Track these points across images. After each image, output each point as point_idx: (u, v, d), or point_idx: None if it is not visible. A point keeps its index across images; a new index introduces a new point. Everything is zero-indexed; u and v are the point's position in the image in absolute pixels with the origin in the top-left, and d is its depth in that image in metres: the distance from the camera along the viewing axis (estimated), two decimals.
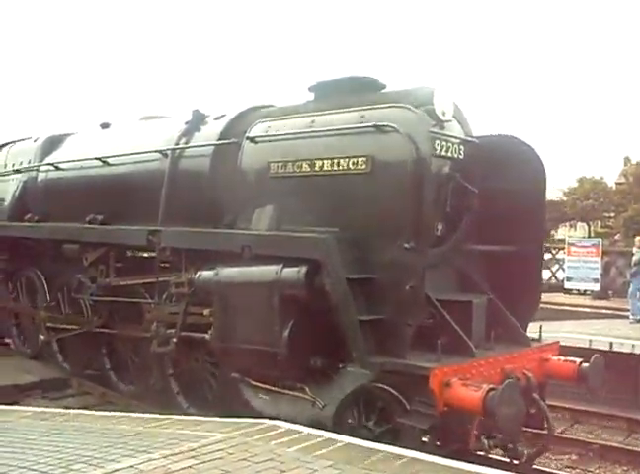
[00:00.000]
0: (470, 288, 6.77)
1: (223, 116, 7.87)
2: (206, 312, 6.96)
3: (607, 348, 11.01)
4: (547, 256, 18.70)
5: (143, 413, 6.91)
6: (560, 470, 7.73)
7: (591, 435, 9.24)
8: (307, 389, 6.16)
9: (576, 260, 17.32)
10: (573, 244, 17.62)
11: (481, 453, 6.15)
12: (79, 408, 7.96)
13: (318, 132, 6.35)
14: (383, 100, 6.36)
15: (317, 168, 6.26)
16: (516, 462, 6.21)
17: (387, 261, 5.68)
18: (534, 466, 6.81)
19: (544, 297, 15.84)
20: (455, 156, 6.59)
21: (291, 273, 6.02)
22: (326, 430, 5.68)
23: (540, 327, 6.97)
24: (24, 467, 4.68)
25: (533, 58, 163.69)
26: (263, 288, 6.22)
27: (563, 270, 18.02)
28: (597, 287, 16.85)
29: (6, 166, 11.03)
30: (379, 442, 5.21)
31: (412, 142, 5.62)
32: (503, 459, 6.39)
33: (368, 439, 5.32)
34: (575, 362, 6.52)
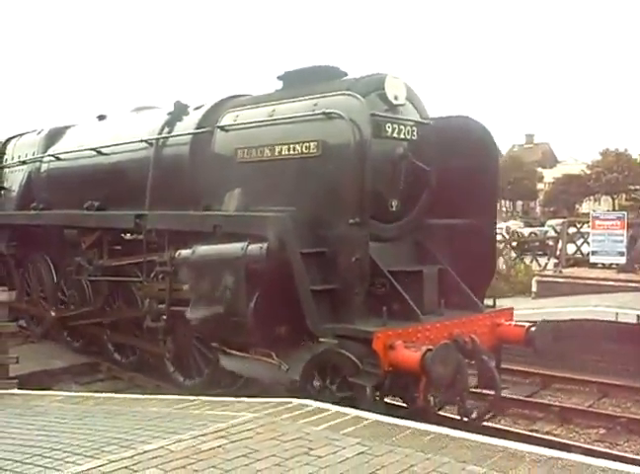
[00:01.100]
0: (427, 260, 7.31)
1: (202, 106, 8.47)
2: (186, 287, 7.61)
3: (635, 320, 10.93)
4: (571, 230, 18.84)
5: (172, 395, 7.07)
6: (589, 444, 7.61)
7: (619, 409, 9.10)
8: (273, 354, 6.78)
9: (601, 233, 16.78)
10: (597, 217, 17.32)
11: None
12: (109, 392, 8.13)
13: (277, 120, 6.94)
14: (339, 88, 6.88)
15: (277, 153, 6.86)
16: (466, 419, 6.74)
17: (336, 235, 6.26)
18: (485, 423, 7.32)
19: (570, 271, 16.40)
20: (409, 137, 7.12)
21: (255, 249, 6.62)
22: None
23: (494, 299, 7.52)
24: (58, 449, 4.79)
25: (561, 39, 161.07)
26: (231, 264, 6.84)
27: (588, 244, 17.66)
28: (622, 261, 16.38)
29: (13, 158, 11.80)
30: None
31: (355, 126, 6.15)
32: (455, 417, 6.92)
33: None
34: (524, 326, 7.04)
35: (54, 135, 11.06)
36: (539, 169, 75.11)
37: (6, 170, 11.99)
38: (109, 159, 9.44)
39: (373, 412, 5.52)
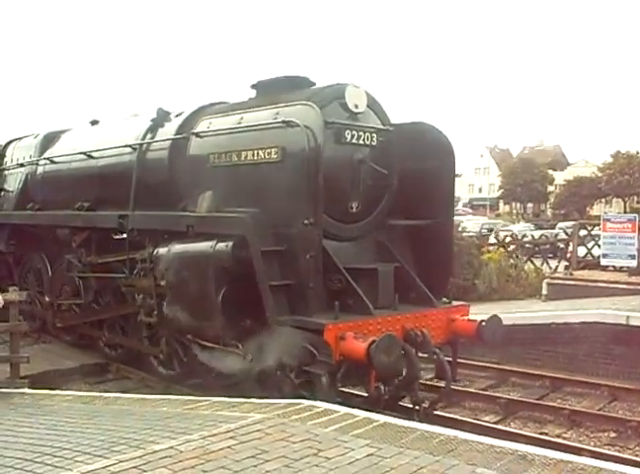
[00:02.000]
0: (386, 258, 7.82)
1: (182, 113, 9.04)
2: (163, 283, 8.18)
3: None
4: (582, 232, 18.83)
5: (181, 395, 7.23)
6: (599, 447, 7.55)
7: (629, 412, 8.93)
8: (240, 345, 7.31)
9: (612, 236, 16.61)
10: (608, 220, 17.30)
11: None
12: (118, 392, 8.27)
13: (244, 128, 7.51)
14: (304, 97, 7.41)
15: (243, 158, 7.42)
16: (417, 408, 7.24)
17: (293, 235, 6.80)
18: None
19: (581, 274, 16.47)
20: (368, 143, 7.63)
21: (222, 247, 7.18)
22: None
23: (450, 296, 8.02)
24: (67, 449, 4.82)
25: (572, 40, 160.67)
26: (201, 261, 7.40)
27: (599, 246, 17.51)
28: (633, 263, 16.15)
29: (12, 160, 12.45)
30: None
31: (310, 134, 6.68)
32: (407, 405, 7.43)
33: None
34: (475, 321, 7.54)
35: (50, 139, 11.69)
36: (550, 171, 75.13)
37: (5, 172, 12.63)
38: (98, 162, 10.03)
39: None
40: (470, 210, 72.89)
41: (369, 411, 5.58)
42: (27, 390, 7.97)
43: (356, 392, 7.66)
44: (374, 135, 7.70)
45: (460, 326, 7.62)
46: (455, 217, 29.92)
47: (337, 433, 4.81)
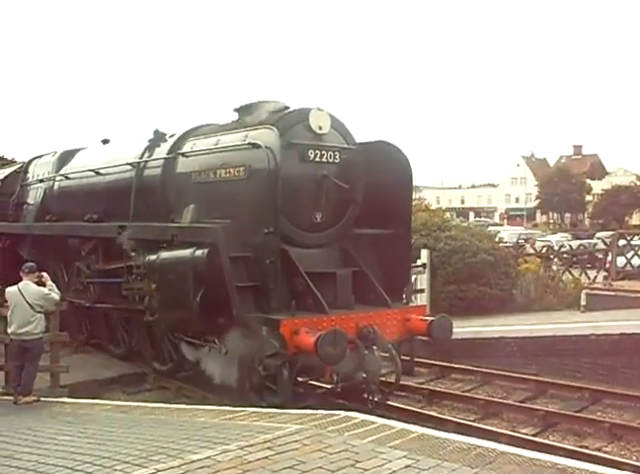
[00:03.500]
0: (349, 264, 8.86)
1: (174, 134, 10.25)
2: (153, 286, 9.35)
3: None
4: (621, 242, 18.75)
5: (218, 406, 7.50)
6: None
7: None
8: (216, 340, 8.42)
9: None
10: None
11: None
12: (156, 402, 8.48)
13: (219, 149, 8.67)
14: (272, 120, 8.52)
15: (217, 175, 8.59)
16: (371, 398, 8.24)
17: (256, 242, 7.90)
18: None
19: (620, 284, 16.41)
20: (331, 160, 8.70)
21: (199, 253, 8.31)
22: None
23: (407, 297, 9.00)
24: (107, 457, 4.93)
25: (610, 49, 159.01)
26: (183, 266, 8.54)
27: (638, 256, 17.65)
28: None
29: (33, 176, 13.86)
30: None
31: (270, 154, 7.79)
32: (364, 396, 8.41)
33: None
34: (427, 321, 8.52)
35: (66, 157, 13.06)
36: (588, 180, 74.82)
37: (28, 187, 14.04)
38: (105, 178, 11.31)
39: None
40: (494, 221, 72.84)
41: (406, 422, 5.76)
42: (66, 399, 8.43)
43: (317, 384, 8.70)
44: (337, 153, 8.77)
45: (414, 324, 8.60)
46: (491, 228, 29.66)
47: (374, 444, 4.84)
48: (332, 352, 7.29)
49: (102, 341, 11.87)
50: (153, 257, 9.25)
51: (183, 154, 9.36)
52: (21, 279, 8.41)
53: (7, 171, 15.80)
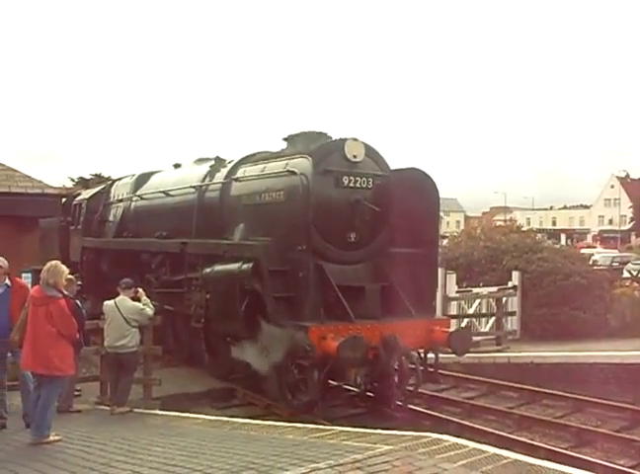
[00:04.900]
0: (381, 279, 9.94)
1: (232, 160, 11.67)
2: (208, 296, 10.72)
3: None
4: None
5: (306, 424, 7.77)
6: None
7: None
8: (259, 342, 9.65)
9: None
10: None
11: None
12: (245, 417, 8.75)
13: (264, 175, 9.99)
14: (311, 150, 9.74)
15: (262, 199, 9.90)
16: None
17: (291, 258, 9.12)
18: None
19: None
20: (364, 186, 9.84)
21: (245, 267, 9.60)
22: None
23: (433, 310, 9.96)
24: (199, 470, 5.09)
25: None
26: (232, 278, 9.86)
27: None
28: None
29: (114, 196, 15.68)
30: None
31: (304, 179, 9.01)
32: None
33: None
34: (447, 332, 9.48)
35: (142, 179, 14.79)
36: None
37: (110, 206, 15.87)
38: (172, 200, 12.89)
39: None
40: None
41: (497, 447, 5.78)
42: (158, 411, 8.87)
43: (345, 386, 9.78)
44: (370, 180, 9.90)
45: (436, 335, 9.57)
46: (584, 250, 29.09)
47: (465, 469, 4.79)
48: (352, 355, 8.39)
49: (167, 345, 13.34)
50: (208, 269, 10.63)
51: (236, 179, 10.76)
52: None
53: (92, 191, 17.80)
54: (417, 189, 10.16)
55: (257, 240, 9.77)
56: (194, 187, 12.03)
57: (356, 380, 9.04)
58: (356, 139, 9.88)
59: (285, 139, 10.90)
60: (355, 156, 9.79)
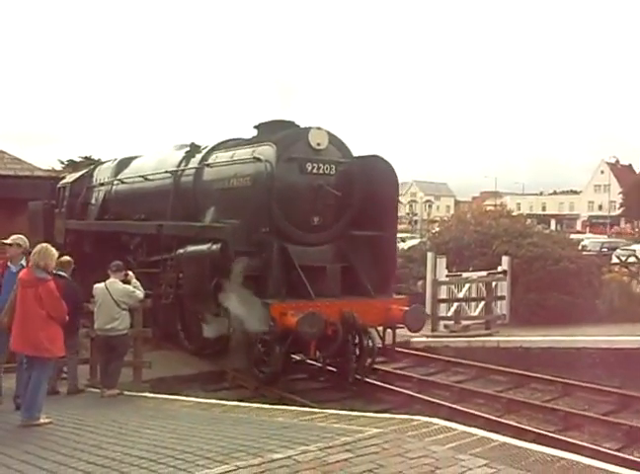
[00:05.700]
0: (343, 260, 10.68)
1: (206, 147, 12.34)
2: (181, 275, 11.45)
3: None
4: None
5: (297, 407, 7.84)
6: None
7: None
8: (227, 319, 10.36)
9: None
10: None
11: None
12: (235, 400, 8.80)
13: (233, 161, 10.68)
14: (276, 138, 10.42)
15: (231, 184, 10.60)
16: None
17: (256, 240, 9.84)
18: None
19: None
20: (327, 172, 10.54)
21: (214, 248, 10.31)
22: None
23: (390, 290, 10.72)
24: (189, 452, 5.13)
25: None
26: (202, 258, 10.57)
27: None
28: None
29: (97, 180, 16.34)
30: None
31: (268, 166, 9.72)
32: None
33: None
34: (403, 310, 10.22)
35: (123, 163, 15.46)
36: None
37: (92, 189, 16.53)
38: (151, 184, 13.57)
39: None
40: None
41: (485, 430, 5.87)
42: (148, 394, 8.92)
43: (311, 362, 10.54)
44: (333, 166, 10.60)
45: (393, 314, 10.31)
46: (573, 236, 29.56)
47: (454, 451, 4.87)
48: (310, 330, 9.13)
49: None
50: (181, 251, 11.34)
51: (208, 165, 11.45)
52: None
53: (76, 175, 18.44)
54: (378, 175, 10.86)
55: (226, 223, 10.47)
56: (170, 172, 12.70)
57: (315, 354, 9.78)
58: (319, 128, 10.56)
59: (256, 127, 11.58)
60: (318, 144, 10.48)
